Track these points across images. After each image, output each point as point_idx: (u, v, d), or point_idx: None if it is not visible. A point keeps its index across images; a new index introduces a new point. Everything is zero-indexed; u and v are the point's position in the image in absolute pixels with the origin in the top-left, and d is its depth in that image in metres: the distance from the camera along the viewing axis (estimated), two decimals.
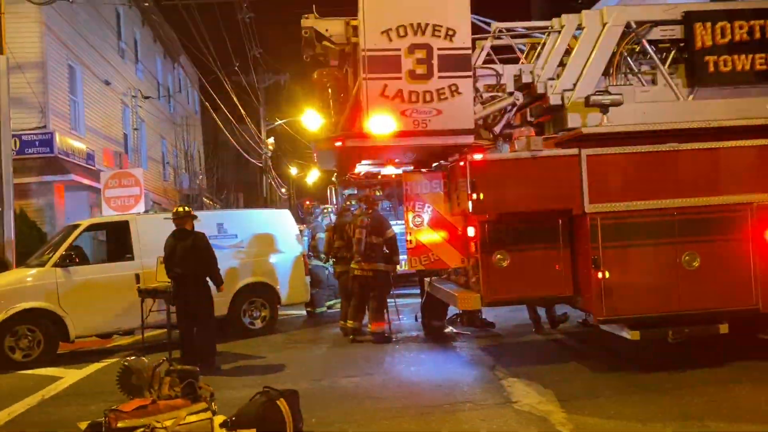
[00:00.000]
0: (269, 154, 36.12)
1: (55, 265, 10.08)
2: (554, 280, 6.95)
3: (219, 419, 5.99)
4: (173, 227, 9.47)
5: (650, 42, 7.46)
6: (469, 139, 6.91)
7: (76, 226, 10.74)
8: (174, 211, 9.22)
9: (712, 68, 7.34)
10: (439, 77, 6.82)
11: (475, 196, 6.56)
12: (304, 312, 13.31)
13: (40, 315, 9.83)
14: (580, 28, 7.51)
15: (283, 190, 44.64)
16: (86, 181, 16.95)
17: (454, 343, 9.29)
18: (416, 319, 10.29)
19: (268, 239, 11.86)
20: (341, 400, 6.77)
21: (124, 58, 23.64)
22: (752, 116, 7.11)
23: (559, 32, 7.57)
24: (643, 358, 7.44)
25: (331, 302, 13.76)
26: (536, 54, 7.81)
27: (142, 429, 5.80)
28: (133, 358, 7.08)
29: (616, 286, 6.60)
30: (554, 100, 7.35)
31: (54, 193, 16.23)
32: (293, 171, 51.74)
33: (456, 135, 6.85)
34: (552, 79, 7.46)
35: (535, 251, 6.94)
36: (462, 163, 6.76)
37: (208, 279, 8.86)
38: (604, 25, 7.37)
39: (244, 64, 29.03)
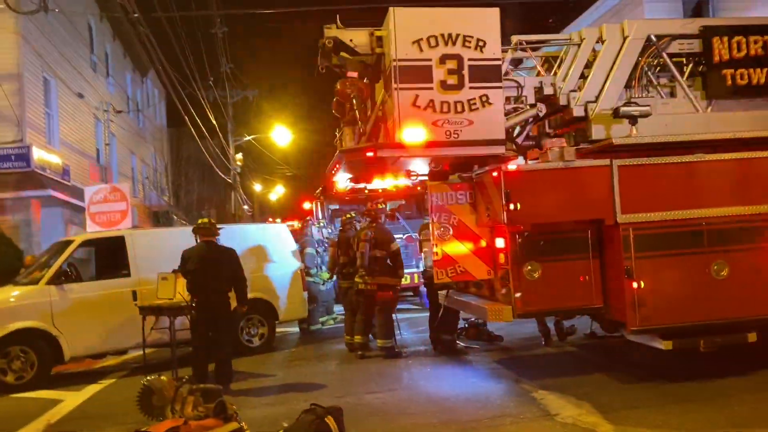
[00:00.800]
0: (238, 170, 35.63)
1: (49, 282, 9.66)
2: (584, 291, 6.93)
3: None
4: (169, 242, 9.22)
5: (669, 55, 7.57)
6: (501, 149, 6.87)
7: (69, 242, 10.33)
8: (201, 223, 8.89)
9: (729, 81, 7.48)
10: (470, 87, 6.78)
11: (510, 206, 6.52)
12: (296, 329, 13.04)
13: (34, 335, 9.38)
14: (600, 41, 7.56)
15: (246, 207, 44.09)
16: (63, 197, 16.38)
17: (467, 357, 9.19)
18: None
19: (265, 254, 11.61)
20: (373, 417, 6.59)
21: (96, 72, 23.09)
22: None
23: (579, 45, 7.62)
24: (666, 368, 7.47)
25: (324, 318, 13.55)
26: (556, 66, 7.84)
27: None
28: (152, 377, 6.78)
29: (648, 296, 6.61)
30: (578, 111, 7.38)
31: (31, 209, 15.63)
32: (257, 187, 51.15)
33: (488, 145, 6.81)
34: (574, 91, 7.49)
35: (566, 262, 6.92)
36: (495, 174, 6.71)
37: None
38: (624, 38, 7.45)
39: (214, 79, 28.70)
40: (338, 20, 7.30)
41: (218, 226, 9.53)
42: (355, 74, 7.95)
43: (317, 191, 20.34)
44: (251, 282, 11.15)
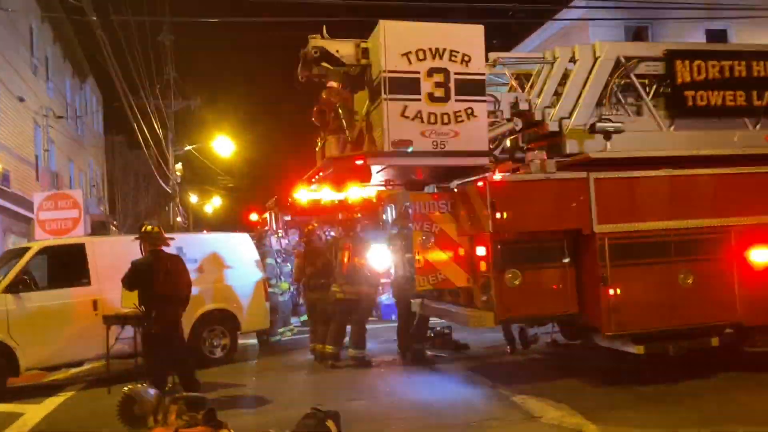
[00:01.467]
0: (178, 180, 34.89)
1: (5, 290, 9.25)
2: (561, 298, 7.23)
3: None
4: (130, 250, 8.95)
5: (636, 76, 8.02)
6: (485, 161, 7.11)
7: (25, 249, 9.95)
8: (152, 230, 8.58)
9: (690, 102, 7.98)
10: (456, 100, 7.00)
11: (496, 215, 6.75)
12: (253, 341, 12.88)
13: None
14: (573, 60, 7.94)
15: (179, 219, 43.17)
16: (5, 203, 15.70)
17: (438, 366, 9.35)
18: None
19: (228, 264, 11.47)
20: (360, 423, 6.60)
21: (36, 75, 22.25)
22: (722, 146, 7.81)
23: (552, 63, 7.99)
24: (632, 373, 7.81)
25: (282, 330, 13.43)
26: (529, 83, 8.17)
27: None
28: (131, 386, 6.62)
29: (622, 302, 6.96)
30: (552, 126, 7.72)
31: None
32: (193, 199, 50.08)
33: (472, 156, 7.03)
34: (548, 107, 7.83)
35: (544, 270, 7.20)
36: (481, 184, 6.93)
37: None
38: (596, 58, 7.84)
39: (152, 86, 28.07)
40: (324, 30, 7.40)
41: (171, 235, 9.40)
42: (335, 84, 8.05)
43: (269, 201, 20.20)
44: (213, 292, 11.04)
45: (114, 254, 10.37)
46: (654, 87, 8.23)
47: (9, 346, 9.05)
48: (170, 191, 33.65)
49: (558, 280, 7.22)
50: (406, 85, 6.89)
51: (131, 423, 6.50)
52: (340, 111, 7.33)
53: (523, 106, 7.88)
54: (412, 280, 9.72)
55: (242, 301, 11.40)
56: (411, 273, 9.70)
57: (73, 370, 10.65)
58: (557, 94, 7.93)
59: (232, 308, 11.24)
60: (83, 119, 31.09)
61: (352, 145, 7.34)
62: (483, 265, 7.22)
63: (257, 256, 12.19)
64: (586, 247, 7.15)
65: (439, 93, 6.96)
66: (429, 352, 10.05)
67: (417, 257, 7.48)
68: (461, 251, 7.58)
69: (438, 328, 10.64)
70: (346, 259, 9.45)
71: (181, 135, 36.29)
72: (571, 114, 7.71)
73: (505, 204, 6.80)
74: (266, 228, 15.57)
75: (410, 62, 6.91)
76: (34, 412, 8.11)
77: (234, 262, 11.55)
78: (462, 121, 7.00)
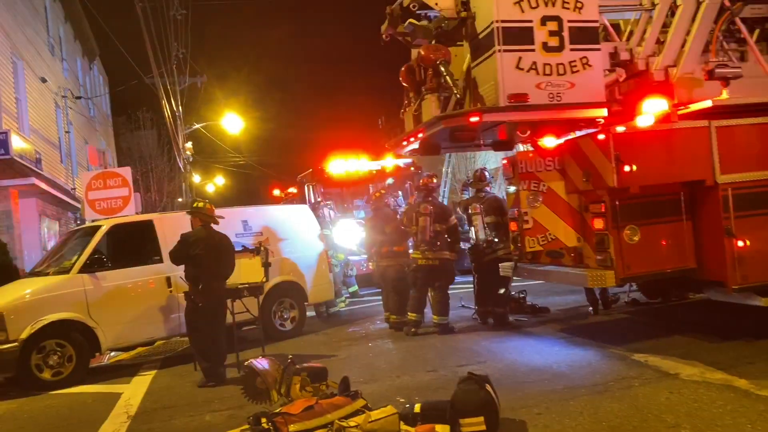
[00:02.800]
0: (190, 159, 34.47)
1: (81, 270, 9.01)
2: (679, 253, 7.00)
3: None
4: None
5: (741, 20, 7.68)
6: (603, 113, 6.79)
7: (95, 228, 9.66)
8: (204, 206, 8.37)
9: None
10: (571, 50, 6.65)
11: (621, 168, 6.48)
12: (310, 313, 12.67)
13: (70, 327, 8.74)
14: (674, 6, 7.60)
15: (180, 200, 42.55)
16: (44, 186, 15.35)
17: (526, 330, 9.16)
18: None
19: (293, 236, 11.23)
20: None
21: (53, 55, 21.74)
22: None
23: (650, 10, 7.65)
24: (734, 329, 7.60)
25: (341, 299, 13.19)
26: (627, 32, 7.84)
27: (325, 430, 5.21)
28: (256, 358, 6.38)
29: (748, 254, 6.72)
30: (658, 76, 7.39)
31: (10, 199, 14.55)
32: (196, 179, 49.38)
33: (590, 108, 6.72)
34: (651, 56, 7.50)
35: (661, 225, 6.96)
36: (602, 137, 6.65)
37: None
38: (699, 3, 7.49)
39: (175, 64, 27.52)
40: None
41: (224, 211, 9.24)
42: (422, 42, 7.71)
43: (302, 175, 19.89)
44: (281, 264, 10.79)
45: (183, 230, 10.10)
46: (757, 32, 7.89)
47: (89, 326, 8.83)
48: (182, 170, 33.24)
49: (676, 235, 6.99)
50: (520, 35, 6.54)
51: (254, 396, 6.28)
52: (442, 68, 6.98)
53: (624, 56, 7.54)
54: (492, 244, 9.58)
55: (308, 272, 11.22)
56: (491, 236, 9.52)
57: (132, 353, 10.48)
58: (659, 43, 7.59)
59: (299, 280, 11.05)
60: (93, 100, 30.57)
61: (454, 104, 7.00)
62: (599, 223, 6.96)
63: (318, 228, 11.95)
64: (707, 199, 6.89)
65: (553, 42, 6.61)
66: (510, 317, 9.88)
67: (525, 217, 7.21)
68: (570, 210, 7.31)
69: (513, 293, 10.43)
70: (428, 224, 9.18)
71: (187, 113, 35.81)
72: (677, 62, 7.38)
73: (629, 156, 6.54)
74: (318, 199, 15.32)
75: (522, 11, 6.55)
76: (130, 391, 7.92)
77: (298, 234, 11.33)
78: (577, 71, 6.66)
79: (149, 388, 7.93)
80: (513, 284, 9.99)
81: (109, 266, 9.23)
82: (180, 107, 31.54)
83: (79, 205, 19.23)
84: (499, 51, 6.49)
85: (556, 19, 6.64)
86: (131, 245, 9.75)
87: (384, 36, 7.84)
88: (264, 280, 8.72)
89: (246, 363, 6.37)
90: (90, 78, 30.41)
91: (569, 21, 6.68)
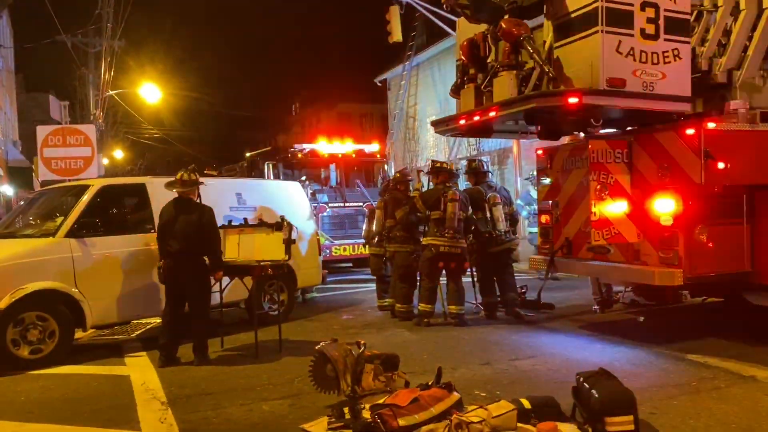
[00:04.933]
0: (102, 128, 32.04)
1: (68, 234, 7.85)
2: (738, 255, 6.98)
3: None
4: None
5: None
6: (687, 107, 6.66)
7: (82, 188, 8.45)
8: (179, 177, 7.61)
9: None
10: (665, 39, 6.47)
11: (711, 165, 6.36)
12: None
13: (54, 299, 7.58)
14: (736, 9, 7.61)
15: None
16: None
17: (543, 324, 8.96)
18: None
19: (286, 214, 10.40)
20: (550, 383, 6.08)
21: None
22: None
23: (713, 12, 7.63)
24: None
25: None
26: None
27: (444, 427, 4.67)
28: (325, 343, 5.71)
29: None
30: (721, 78, 7.37)
31: None
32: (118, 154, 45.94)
33: (677, 102, 6.56)
34: (713, 57, 7.48)
35: (726, 226, 6.91)
36: (691, 131, 6.48)
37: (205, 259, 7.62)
38: (763, 9, 7.54)
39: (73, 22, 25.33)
40: None
41: (229, 180, 8.49)
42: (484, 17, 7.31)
43: (256, 153, 18.87)
44: None
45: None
46: None
47: (75, 299, 7.71)
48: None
49: (737, 237, 6.96)
50: (622, 18, 6.26)
51: (323, 384, 5.62)
52: (527, 44, 6.58)
53: None
54: (506, 234, 9.39)
55: (300, 254, 10.46)
56: (505, 227, 9.34)
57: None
58: (720, 45, 7.58)
59: (291, 262, 10.26)
60: (1, 53, 27.76)
61: (546, 82, 6.61)
62: (667, 219, 6.82)
63: (309, 207, 11.22)
64: None
65: (650, 30, 6.39)
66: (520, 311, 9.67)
67: (593, 209, 6.96)
68: (634, 205, 7.13)
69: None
70: (457, 211, 8.76)
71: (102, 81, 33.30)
72: (740, 65, 7.39)
73: (718, 154, 6.42)
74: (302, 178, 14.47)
75: None
76: (137, 374, 6.97)
77: (291, 212, 10.51)
78: (669, 62, 6.49)
79: (159, 372, 6.98)
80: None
81: (103, 232, 8.10)
82: (92, 71, 29.14)
83: None
84: (602, 31, 6.18)
85: (654, 6, 6.44)
86: (121, 210, 8.66)
87: (444, 5, 7.36)
88: (286, 258, 7.96)
89: (317, 348, 5.69)
90: None
91: (665, 10, 6.50)
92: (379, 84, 29.99)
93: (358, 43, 72.36)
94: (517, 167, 18.47)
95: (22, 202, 12.37)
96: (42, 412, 5.66)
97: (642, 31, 6.37)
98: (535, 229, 11.98)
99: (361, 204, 16.08)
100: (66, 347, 7.62)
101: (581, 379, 4.96)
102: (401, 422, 4.76)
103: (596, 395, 4.61)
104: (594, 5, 6.23)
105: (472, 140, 20.81)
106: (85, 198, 8.14)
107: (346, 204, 16.00)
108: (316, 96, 54.97)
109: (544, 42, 6.91)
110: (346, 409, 5.20)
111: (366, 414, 5.14)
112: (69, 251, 7.77)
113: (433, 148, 25.65)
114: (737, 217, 6.99)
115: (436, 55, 25.35)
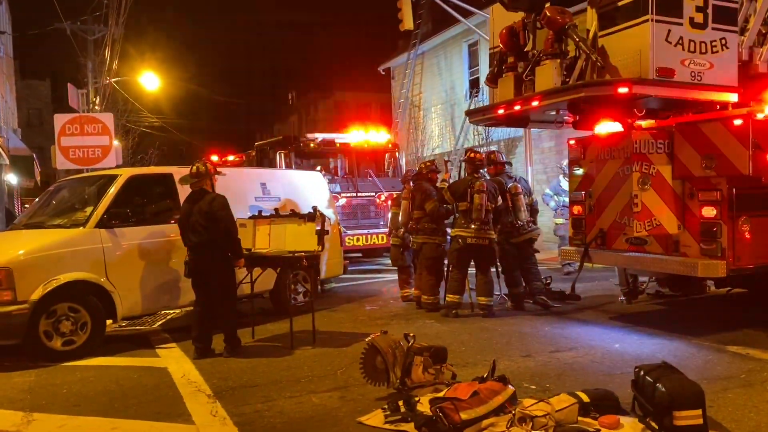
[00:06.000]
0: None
1: (99, 225, 7.74)
2: None
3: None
4: (221, 182, 7.88)
5: None
6: (735, 97, 6.59)
7: (111, 177, 8.33)
8: (190, 171, 7.54)
9: None
10: (713, 28, 6.40)
11: (757, 156, 6.31)
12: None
13: (85, 290, 7.48)
14: None
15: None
16: None
17: (574, 316, 8.93)
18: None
19: (311, 204, 10.32)
20: (598, 374, 6.04)
21: None
22: None
23: (753, 1, 7.55)
24: None
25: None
26: None
27: (507, 421, 4.62)
28: (376, 335, 5.65)
29: None
30: (762, 67, 7.31)
31: None
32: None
33: (725, 91, 6.49)
34: (753, 46, 7.41)
35: (765, 218, 6.87)
36: (740, 122, 6.42)
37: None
38: None
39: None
40: None
41: (254, 170, 8.33)
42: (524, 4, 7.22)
43: (266, 141, 18.68)
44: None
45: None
46: None
47: (106, 290, 7.61)
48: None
49: None
50: (672, 6, 6.19)
51: (373, 377, 5.56)
52: (573, 33, 6.49)
53: None
54: (528, 224, 9.37)
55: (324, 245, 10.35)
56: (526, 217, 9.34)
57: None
58: (761, 34, 7.51)
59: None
60: (1, 39, 27.38)
61: (590, 71, 6.52)
62: (709, 211, 6.78)
63: (329, 196, 11.13)
64: None
65: (698, 18, 6.32)
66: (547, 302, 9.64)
67: (636, 200, 6.90)
68: (674, 195, 7.07)
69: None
70: (485, 202, 8.68)
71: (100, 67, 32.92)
72: None
73: (766, 145, 6.37)
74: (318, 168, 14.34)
75: None
76: (174, 366, 6.89)
77: (315, 203, 10.40)
78: (717, 51, 6.42)
79: (197, 364, 6.90)
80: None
81: (132, 222, 7.99)
82: (90, 58, 28.76)
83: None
84: (652, 20, 6.09)
85: None
86: (149, 201, 8.54)
87: None
88: (319, 249, 7.87)
89: (368, 339, 5.63)
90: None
91: None
92: (383, 73, 29.81)
93: (357, 32, 71.98)
94: (528, 157, 18.41)
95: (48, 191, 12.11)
96: (89, 406, 5.58)
97: (691, 20, 6.29)
98: (561, 220, 11.94)
99: (373, 193, 16.01)
100: (98, 339, 7.54)
101: (642, 373, 4.91)
102: (463, 416, 4.70)
103: (662, 389, 4.55)
104: None
105: (480, 129, 20.72)
106: (114, 188, 8.03)
107: (359, 194, 15.89)
108: (313, 85, 54.79)
109: (588, 30, 6.81)
110: (400, 402, 5.15)
111: (421, 407, 5.11)
112: (99, 242, 7.66)
113: (439, 137, 25.56)
114: None
115: (441, 43, 25.21)
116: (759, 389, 5.55)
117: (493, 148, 9.77)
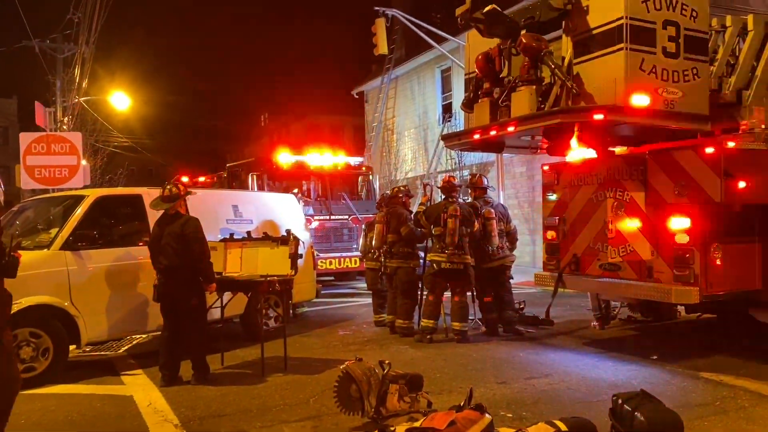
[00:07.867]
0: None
1: (64, 247, 7.51)
2: (750, 274, 7.03)
3: None
4: (192, 204, 7.75)
5: None
6: (707, 126, 6.68)
7: (77, 198, 8.11)
8: (162, 192, 7.37)
9: None
10: (685, 58, 6.50)
11: (728, 184, 6.38)
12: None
13: (49, 314, 7.23)
14: (744, 30, 7.72)
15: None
16: None
17: (547, 342, 8.90)
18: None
19: (283, 227, 10.19)
20: (576, 404, 5.98)
21: None
22: None
23: (721, 32, 7.73)
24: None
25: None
26: None
27: None
28: (351, 362, 5.52)
29: None
30: (730, 96, 7.45)
31: None
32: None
33: (695, 121, 6.59)
34: (723, 76, 7.56)
35: (738, 245, 6.95)
36: (711, 150, 6.49)
37: None
38: None
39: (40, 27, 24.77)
40: None
41: (225, 192, 8.21)
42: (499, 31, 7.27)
43: (237, 163, 18.51)
44: None
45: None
46: None
47: (70, 314, 7.36)
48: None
49: (748, 256, 7.01)
50: (645, 36, 6.28)
51: (347, 405, 5.43)
52: (548, 59, 6.54)
53: None
54: (501, 249, 9.35)
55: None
56: (502, 243, 9.30)
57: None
58: (729, 65, 7.67)
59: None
60: None
61: (565, 98, 6.56)
62: (682, 238, 6.82)
63: (303, 219, 11.01)
64: None
65: (671, 48, 6.42)
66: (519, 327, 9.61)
67: (609, 227, 6.93)
68: (647, 222, 7.12)
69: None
70: (457, 227, 8.65)
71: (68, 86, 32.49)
72: (749, 86, 7.48)
73: (737, 173, 6.45)
74: (294, 190, 14.21)
75: (648, 10, 6.31)
76: (140, 394, 6.66)
77: (288, 226, 10.28)
78: (688, 81, 6.52)
79: (164, 392, 6.68)
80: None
81: (99, 244, 7.77)
82: (59, 76, 28.35)
83: None
84: (627, 49, 6.17)
85: (675, 24, 6.48)
86: (118, 222, 8.34)
87: (460, 21, 7.31)
88: (292, 273, 7.74)
89: (342, 367, 5.50)
90: None
91: (686, 28, 6.54)
92: (356, 96, 29.91)
93: (329, 55, 72.33)
94: (500, 182, 18.51)
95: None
96: None
97: (664, 49, 6.39)
98: None
99: (346, 217, 15.93)
100: (60, 365, 7.28)
101: (620, 401, 4.87)
102: None
103: (641, 417, 4.52)
104: (618, 22, 6.23)
105: (453, 153, 20.82)
106: (81, 209, 7.82)
107: (332, 217, 15.78)
108: (285, 108, 54.72)
109: (563, 57, 6.87)
110: None
111: None
112: (64, 264, 7.43)
113: (412, 161, 25.64)
114: (750, 235, 7.03)
115: (415, 68, 25.41)
116: (734, 416, 5.56)
117: (465, 173, 9.77)
